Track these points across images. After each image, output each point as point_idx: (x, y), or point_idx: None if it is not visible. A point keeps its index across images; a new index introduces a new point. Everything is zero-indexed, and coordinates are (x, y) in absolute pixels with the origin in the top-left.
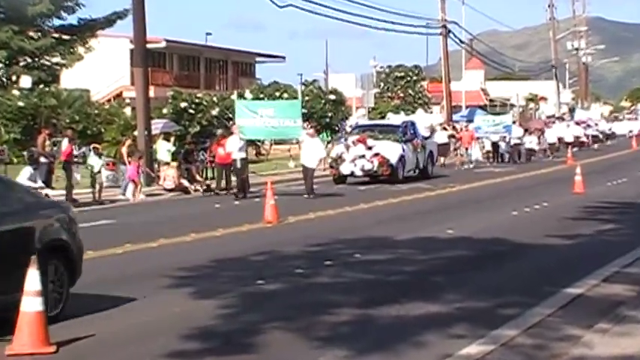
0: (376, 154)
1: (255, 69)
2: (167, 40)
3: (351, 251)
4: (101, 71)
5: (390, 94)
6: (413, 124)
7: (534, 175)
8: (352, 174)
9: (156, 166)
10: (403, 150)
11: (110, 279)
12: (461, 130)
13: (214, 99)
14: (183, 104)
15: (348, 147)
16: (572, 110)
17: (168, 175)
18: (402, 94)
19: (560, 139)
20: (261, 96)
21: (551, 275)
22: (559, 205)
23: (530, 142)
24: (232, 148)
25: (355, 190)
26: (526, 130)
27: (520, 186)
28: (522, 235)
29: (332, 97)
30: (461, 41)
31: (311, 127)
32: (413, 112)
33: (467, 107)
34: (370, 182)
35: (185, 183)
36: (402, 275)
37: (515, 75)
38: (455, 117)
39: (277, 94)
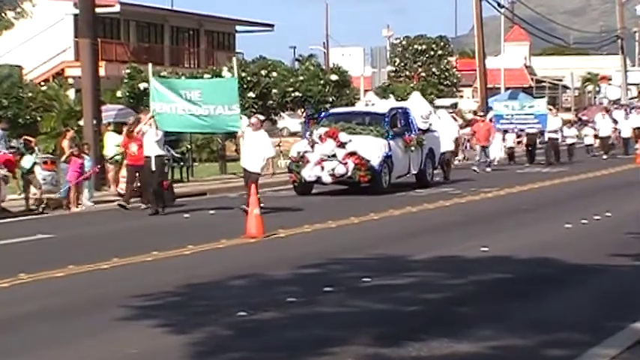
0: (352, 154)
1: (235, 40)
2: (122, 4)
3: (357, 274)
4: (37, 43)
5: (408, 72)
6: (405, 112)
7: (593, 177)
8: (319, 180)
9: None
10: (389, 148)
11: (48, 310)
12: (474, 121)
13: (183, 79)
14: (142, 85)
15: (313, 144)
16: None
17: (123, 177)
18: (423, 73)
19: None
20: (244, 74)
21: (615, 306)
22: (626, 216)
23: (573, 136)
24: (145, 142)
25: (360, 196)
26: (581, 122)
27: (575, 191)
28: (578, 254)
29: (334, 76)
30: (500, 5)
31: (254, 114)
32: (437, 95)
33: (507, 89)
34: (346, 192)
35: None
36: (423, 305)
37: (569, 49)
38: (491, 102)
39: (264, 72)
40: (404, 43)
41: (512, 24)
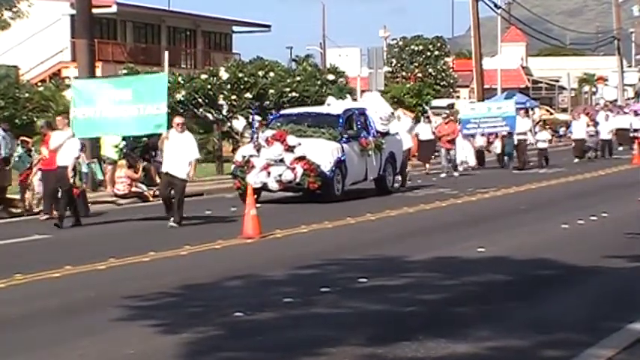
0: (300, 159)
1: (232, 41)
2: (119, 4)
3: (354, 275)
4: (34, 43)
5: (404, 73)
6: (362, 112)
7: (590, 177)
8: (265, 187)
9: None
10: (342, 151)
11: (45, 311)
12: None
13: (180, 79)
14: None
15: (259, 147)
16: (638, 94)
17: (120, 178)
18: (420, 74)
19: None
20: (240, 75)
21: (612, 307)
22: (622, 217)
23: (545, 140)
24: (62, 151)
25: (357, 196)
26: (579, 122)
27: (572, 192)
28: (574, 254)
29: (330, 77)
30: (496, 6)
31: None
32: (434, 95)
33: (503, 90)
34: (298, 199)
35: (142, 187)
36: (420, 305)
37: (565, 49)
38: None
39: (261, 73)
40: (400, 43)
41: (508, 25)
